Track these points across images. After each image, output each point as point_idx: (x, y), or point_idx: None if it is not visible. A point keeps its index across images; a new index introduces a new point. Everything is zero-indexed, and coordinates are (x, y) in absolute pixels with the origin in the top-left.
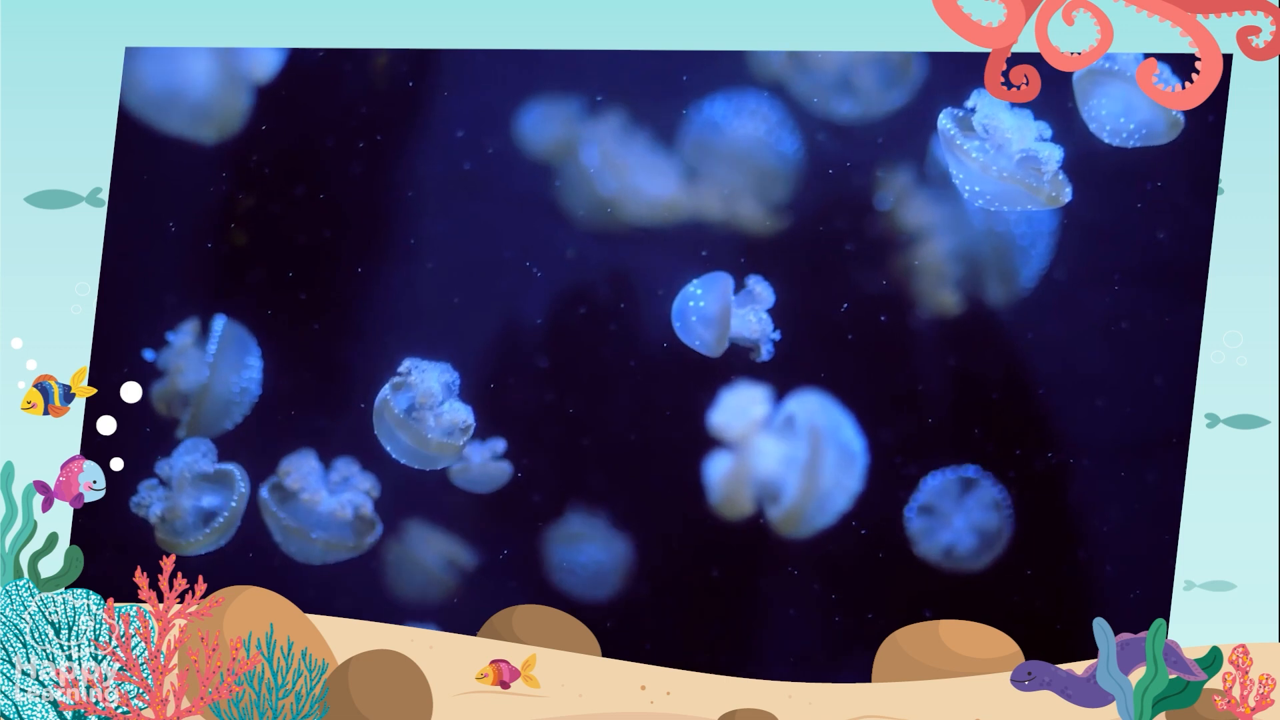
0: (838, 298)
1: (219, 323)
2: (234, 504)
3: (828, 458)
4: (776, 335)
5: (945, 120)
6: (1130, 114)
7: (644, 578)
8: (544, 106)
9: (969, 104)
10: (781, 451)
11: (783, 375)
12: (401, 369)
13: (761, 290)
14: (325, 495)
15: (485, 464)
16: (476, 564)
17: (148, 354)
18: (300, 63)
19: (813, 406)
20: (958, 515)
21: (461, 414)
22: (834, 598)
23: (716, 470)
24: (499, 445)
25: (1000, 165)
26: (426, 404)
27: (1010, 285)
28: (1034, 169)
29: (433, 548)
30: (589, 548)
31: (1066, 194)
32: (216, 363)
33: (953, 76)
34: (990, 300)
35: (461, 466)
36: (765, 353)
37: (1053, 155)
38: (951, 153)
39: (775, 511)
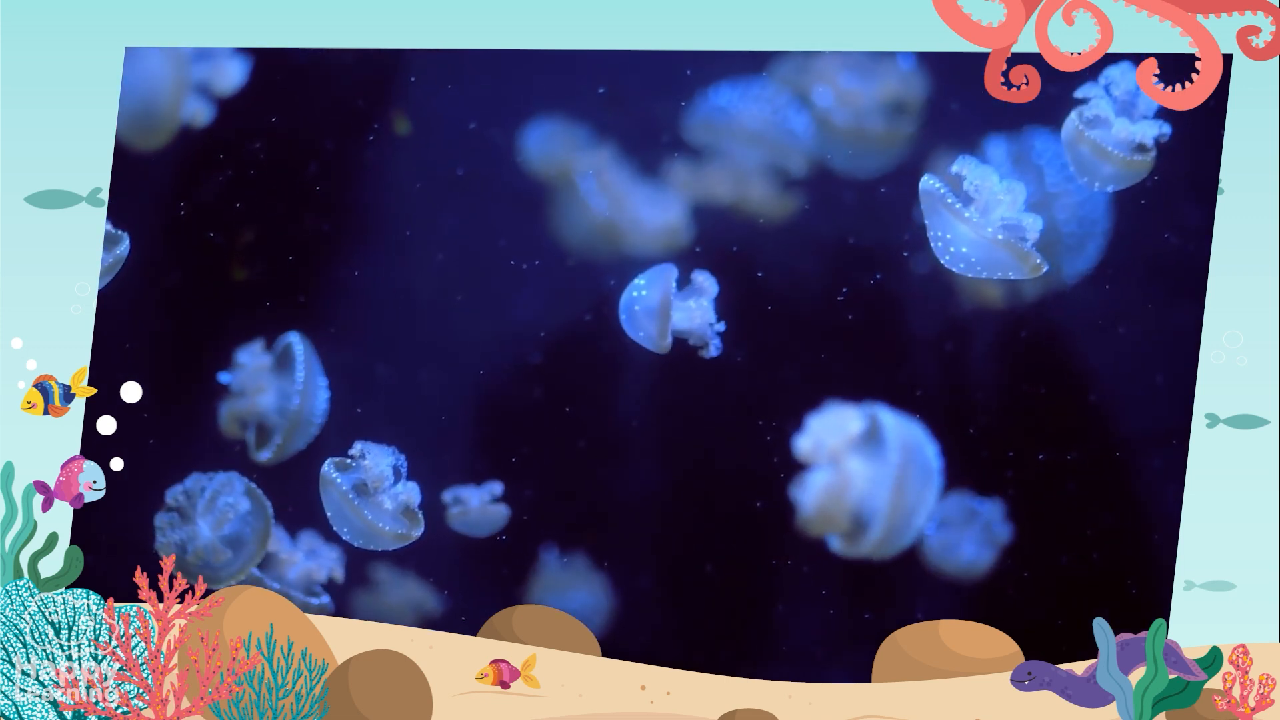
0: (862, 287)
1: (298, 345)
2: (260, 529)
3: (914, 475)
4: (721, 326)
5: (932, 180)
6: (1094, 172)
7: (644, 609)
8: (546, 124)
9: (954, 169)
10: (872, 470)
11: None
12: (353, 451)
13: (704, 282)
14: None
15: (484, 507)
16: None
17: (224, 376)
18: (295, 61)
19: (892, 419)
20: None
21: (413, 495)
22: (825, 595)
23: (811, 488)
24: (496, 488)
25: (992, 228)
26: (379, 487)
27: (1053, 278)
28: (1019, 236)
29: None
30: (578, 594)
31: (1044, 266)
32: (306, 387)
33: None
34: (1027, 293)
35: (460, 510)
36: (714, 348)
37: (1035, 225)
38: (939, 212)
39: (871, 536)
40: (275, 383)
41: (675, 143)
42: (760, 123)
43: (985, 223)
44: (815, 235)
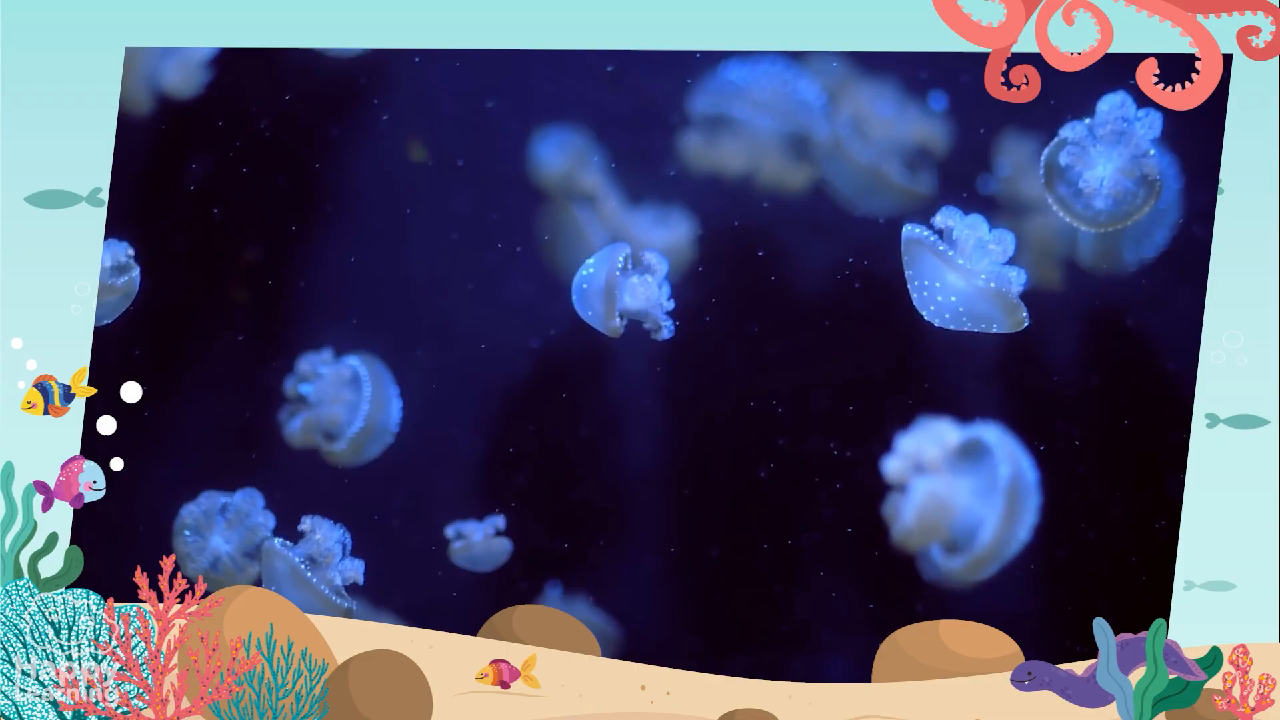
0: (862, 268)
1: (356, 359)
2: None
3: (1022, 492)
4: (670, 304)
5: (920, 229)
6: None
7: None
8: (555, 135)
9: (938, 222)
10: (972, 484)
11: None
12: (303, 526)
13: (653, 260)
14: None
15: (487, 541)
16: None
17: (304, 388)
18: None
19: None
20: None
21: (359, 571)
22: (835, 595)
23: (911, 501)
24: (499, 521)
25: (983, 275)
26: (328, 562)
27: (1114, 264)
28: (1004, 286)
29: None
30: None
31: (1026, 320)
32: (376, 397)
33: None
34: (1091, 277)
35: (463, 545)
36: (666, 330)
37: (1018, 278)
38: (926, 260)
39: (968, 554)
40: (351, 394)
41: (682, 121)
42: (770, 94)
43: (972, 269)
44: (830, 215)
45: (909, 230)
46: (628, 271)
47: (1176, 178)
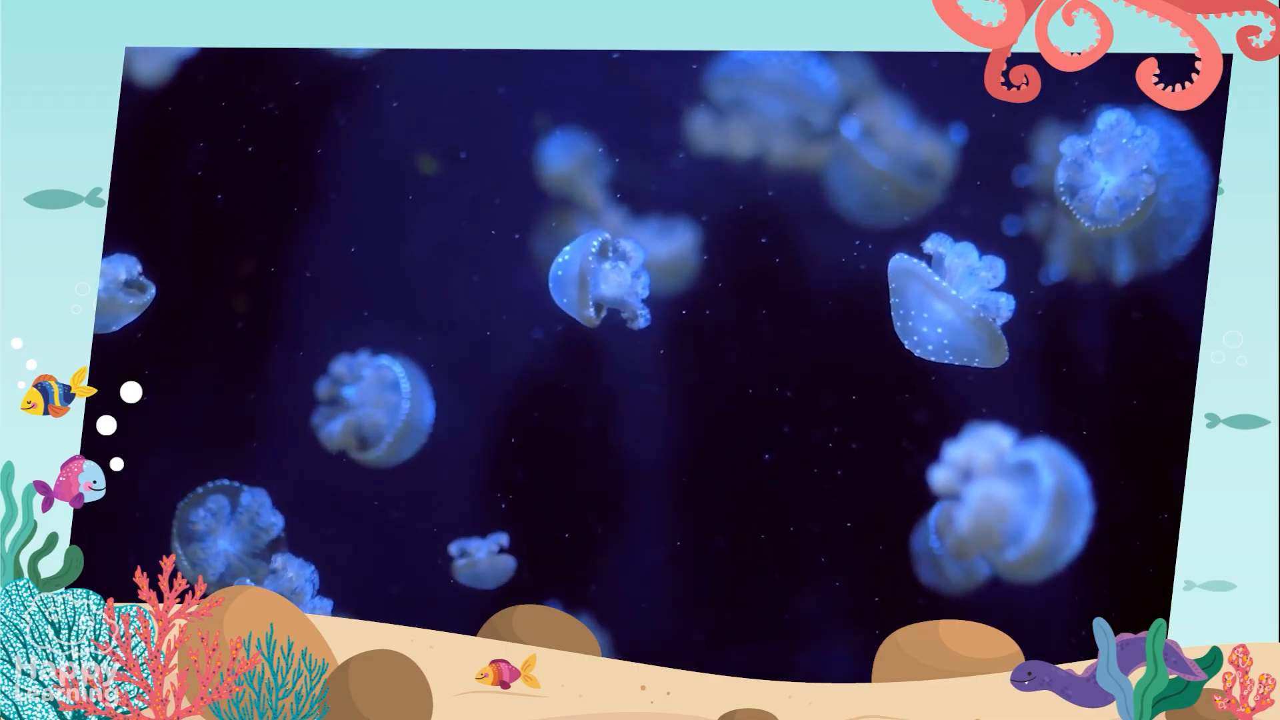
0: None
1: (392, 360)
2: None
3: (1071, 497)
4: (645, 293)
5: (910, 259)
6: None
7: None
8: (563, 136)
9: (928, 248)
10: (1020, 491)
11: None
12: (274, 564)
13: (629, 248)
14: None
15: (491, 558)
16: None
17: (348, 391)
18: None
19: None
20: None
21: (327, 611)
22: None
23: (964, 508)
24: (502, 539)
25: (970, 304)
26: (298, 600)
27: (1150, 261)
28: (992, 314)
29: None
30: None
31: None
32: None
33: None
34: (1120, 274)
35: (467, 563)
36: (642, 320)
37: (1007, 305)
38: (914, 289)
39: (1014, 553)
40: (386, 394)
41: (689, 105)
42: (781, 73)
43: (963, 299)
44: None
45: (897, 261)
46: (602, 259)
47: (1207, 178)
